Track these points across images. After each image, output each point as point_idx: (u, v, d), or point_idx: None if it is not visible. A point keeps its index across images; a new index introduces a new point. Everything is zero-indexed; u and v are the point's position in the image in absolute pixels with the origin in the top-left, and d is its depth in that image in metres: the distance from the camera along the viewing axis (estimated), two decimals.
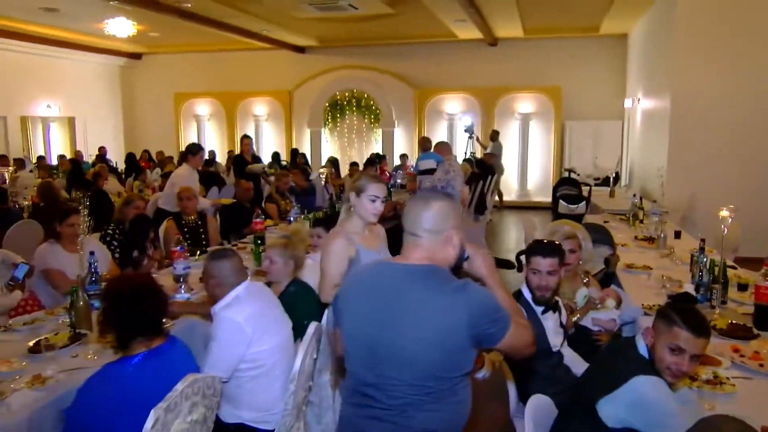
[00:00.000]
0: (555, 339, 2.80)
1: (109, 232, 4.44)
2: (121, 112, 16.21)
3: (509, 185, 13.50)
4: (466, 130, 12.86)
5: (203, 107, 15.55)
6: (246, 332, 2.53)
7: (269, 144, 14.77)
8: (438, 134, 13.22)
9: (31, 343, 2.83)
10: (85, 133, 14.88)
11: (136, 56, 16.00)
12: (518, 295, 2.80)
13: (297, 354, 2.59)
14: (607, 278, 3.91)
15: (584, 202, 9.35)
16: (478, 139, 12.77)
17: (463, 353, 1.74)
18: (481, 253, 1.91)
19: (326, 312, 2.84)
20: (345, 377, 1.93)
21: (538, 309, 2.79)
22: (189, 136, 15.58)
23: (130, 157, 12.01)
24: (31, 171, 10.67)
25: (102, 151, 13.18)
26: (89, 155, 13.29)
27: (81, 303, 3.04)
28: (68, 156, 12.96)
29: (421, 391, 1.72)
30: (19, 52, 12.81)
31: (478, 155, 12.42)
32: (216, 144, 15.18)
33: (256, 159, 8.91)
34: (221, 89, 15.17)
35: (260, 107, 15.16)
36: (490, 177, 10.51)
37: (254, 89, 14.96)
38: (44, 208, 6.18)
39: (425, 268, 1.78)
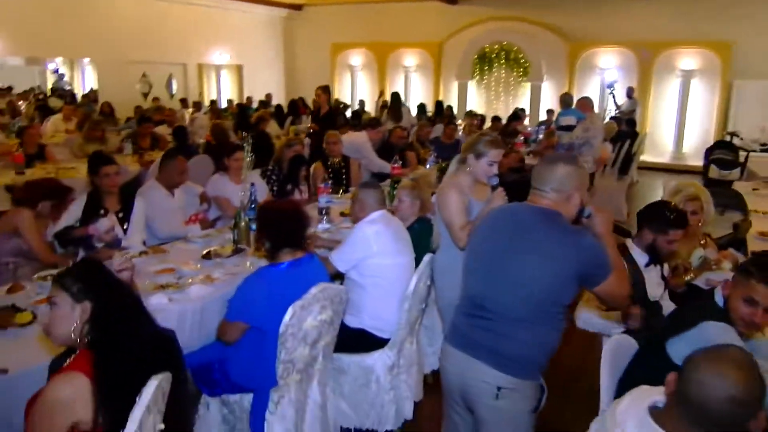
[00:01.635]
0: (656, 290, 2.95)
1: (270, 168, 5.11)
2: (283, 61, 17.39)
3: (663, 147, 12.81)
4: (608, 86, 12.38)
5: (356, 57, 16.22)
6: (370, 244, 3.02)
7: (417, 95, 15.16)
8: (589, 90, 12.73)
9: (203, 252, 3.54)
10: (251, 80, 16.26)
11: (297, 7, 16.96)
12: (623, 250, 2.91)
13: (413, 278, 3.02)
14: (735, 243, 3.89)
15: (739, 168, 8.76)
16: (614, 97, 12.25)
17: (566, 286, 2.04)
18: (603, 214, 2.18)
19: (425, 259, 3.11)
20: (463, 291, 2.27)
21: (642, 260, 2.94)
22: (343, 85, 16.42)
23: (293, 104, 12.95)
24: (204, 113, 12.01)
25: (268, 97, 14.46)
26: (255, 101, 14.57)
27: (243, 224, 3.70)
28: (236, 101, 14.39)
29: (525, 309, 2.04)
30: (196, 5, 14.22)
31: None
32: (366, 94, 15.86)
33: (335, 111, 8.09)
34: (374, 40, 15.67)
35: (410, 58, 15.51)
36: (637, 136, 10.11)
37: (405, 40, 15.31)
38: (215, 146, 7.08)
39: (551, 211, 2.10)
